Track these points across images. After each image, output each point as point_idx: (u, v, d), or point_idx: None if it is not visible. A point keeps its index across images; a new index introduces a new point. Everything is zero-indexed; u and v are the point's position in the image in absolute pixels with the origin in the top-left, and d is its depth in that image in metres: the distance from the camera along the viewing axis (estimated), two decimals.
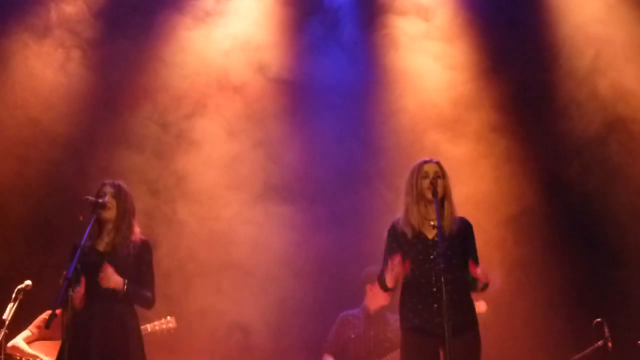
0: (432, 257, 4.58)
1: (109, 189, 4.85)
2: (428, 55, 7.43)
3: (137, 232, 4.90)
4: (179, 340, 6.59)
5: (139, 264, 4.84)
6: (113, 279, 4.65)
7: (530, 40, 7.33)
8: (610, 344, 5.72)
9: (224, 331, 6.97)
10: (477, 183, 7.01)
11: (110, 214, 4.81)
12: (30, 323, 6.06)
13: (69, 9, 7.27)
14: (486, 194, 7.02)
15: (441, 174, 4.69)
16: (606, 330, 5.74)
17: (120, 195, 4.86)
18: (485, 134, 7.24)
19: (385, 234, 4.79)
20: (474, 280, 4.59)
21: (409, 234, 4.66)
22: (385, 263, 4.69)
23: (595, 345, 5.77)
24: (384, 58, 7.48)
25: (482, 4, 7.49)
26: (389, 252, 4.71)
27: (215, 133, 7.32)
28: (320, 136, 7.32)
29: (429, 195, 4.59)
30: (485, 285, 4.60)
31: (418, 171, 4.70)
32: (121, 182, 4.95)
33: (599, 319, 5.78)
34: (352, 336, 6.36)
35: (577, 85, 7.13)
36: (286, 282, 7.00)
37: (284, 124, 7.38)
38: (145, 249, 4.88)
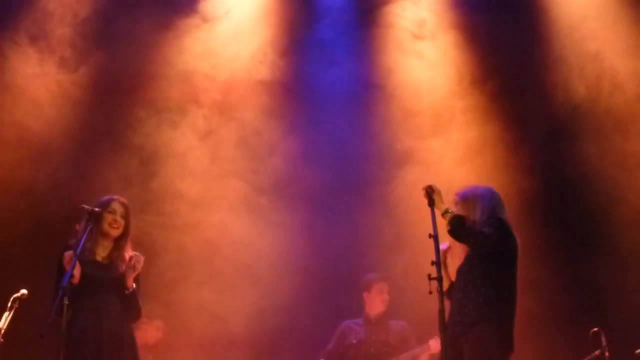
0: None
1: (119, 208, 5.03)
2: (420, 54, 7.47)
3: (129, 248, 5.07)
4: (174, 340, 6.63)
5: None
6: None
7: (519, 28, 7.40)
8: (607, 354, 5.69)
9: (219, 331, 7.01)
10: (473, 175, 7.03)
11: (117, 232, 5.02)
12: (26, 331, 6.03)
13: (49, 19, 7.29)
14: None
15: None
16: (603, 339, 5.71)
17: (127, 215, 5.06)
18: (483, 125, 7.28)
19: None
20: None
21: None
22: None
23: (593, 354, 5.75)
24: (376, 58, 7.55)
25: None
26: None
27: (210, 134, 7.35)
28: (314, 137, 7.37)
29: None
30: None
31: None
32: (126, 201, 5.11)
33: (595, 329, 5.76)
34: (354, 341, 6.50)
35: (564, 69, 7.25)
36: (282, 283, 7.08)
37: (279, 125, 7.41)
38: None
